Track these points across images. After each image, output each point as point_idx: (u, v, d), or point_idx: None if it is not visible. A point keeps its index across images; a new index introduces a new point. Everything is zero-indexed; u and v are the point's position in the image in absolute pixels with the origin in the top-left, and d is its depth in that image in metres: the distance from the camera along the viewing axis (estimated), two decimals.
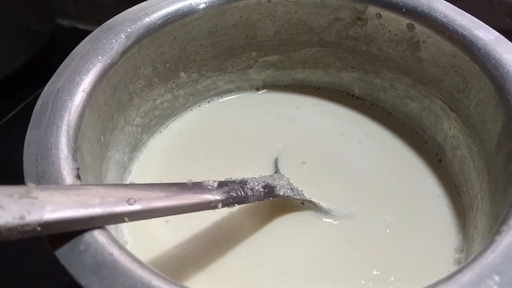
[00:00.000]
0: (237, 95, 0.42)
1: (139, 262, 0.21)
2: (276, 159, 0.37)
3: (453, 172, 0.35)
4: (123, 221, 0.23)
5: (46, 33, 0.58)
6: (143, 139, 0.37)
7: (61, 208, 0.21)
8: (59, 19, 0.62)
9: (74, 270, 0.21)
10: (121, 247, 0.22)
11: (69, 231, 0.22)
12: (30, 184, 0.21)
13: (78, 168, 0.25)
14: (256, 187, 0.30)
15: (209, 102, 0.41)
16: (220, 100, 0.42)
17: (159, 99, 0.37)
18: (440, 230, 0.33)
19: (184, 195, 0.26)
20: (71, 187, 0.23)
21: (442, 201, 0.34)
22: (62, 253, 0.21)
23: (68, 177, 0.24)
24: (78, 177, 0.24)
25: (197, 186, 0.27)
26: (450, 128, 0.35)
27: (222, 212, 0.33)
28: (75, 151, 0.25)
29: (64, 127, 0.26)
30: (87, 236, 0.22)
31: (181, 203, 0.25)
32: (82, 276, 0.20)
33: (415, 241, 0.32)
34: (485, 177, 0.31)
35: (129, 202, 0.23)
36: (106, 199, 0.22)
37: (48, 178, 0.24)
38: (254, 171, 0.36)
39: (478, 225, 0.30)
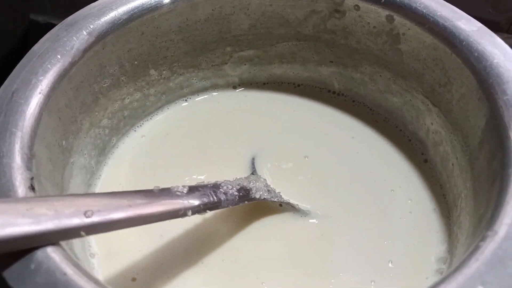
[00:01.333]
0: (213, 93, 0.40)
1: (95, 282, 0.19)
2: (253, 159, 0.35)
3: (436, 170, 0.34)
4: (79, 235, 0.21)
5: (20, 30, 0.55)
6: (112, 141, 0.35)
7: (8, 224, 0.19)
8: (33, 15, 0.59)
9: None
10: (76, 265, 0.20)
11: (19, 249, 0.20)
12: None
13: (32, 178, 0.23)
14: (230, 191, 0.29)
15: (182, 101, 0.39)
16: (196, 99, 0.40)
17: (128, 98, 0.35)
18: (424, 230, 0.31)
19: (150, 204, 0.24)
20: (22, 200, 0.21)
21: (426, 201, 0.33)
22: (11, 274, 0.19)
23: (21, 188, 0.22)
24: (32, 188, 0.23)
25: (165, 193, 0.25)
26: (432, 124, 0.34)
27: (196, 218, 0.31)
28: (30, 159, 0.24)
29: (18, 134, 0.24)
30: (38, 254, 0.20)
31: (146, 213, 0.23)
32: None
33: (397, 241, 0.31)
34: (468, 175, 0.29)
35: (86, 214, 0.21)
36: (61, 212, 0.20)
37: None
38: (231, 172, 0.34)
39: (462, 224, 0.29)
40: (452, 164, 0.32)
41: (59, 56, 0.28)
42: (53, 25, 0.30)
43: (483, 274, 0.19)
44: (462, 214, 0.29)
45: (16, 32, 0.55)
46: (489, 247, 0.20)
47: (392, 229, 0.31)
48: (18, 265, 0.19)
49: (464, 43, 0.29)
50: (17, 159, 0.23)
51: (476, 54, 0.28)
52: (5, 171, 0.22)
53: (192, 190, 0.27)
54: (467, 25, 0.30)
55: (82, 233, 0.21)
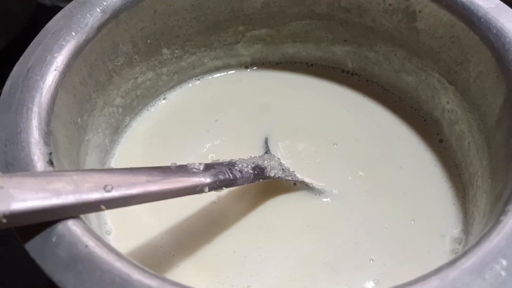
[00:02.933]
0: (224, 73, 0.40)
1: (117, 254, 0.19)
2: (266, 138, 0.35)
3: (451, 149, 0.34)
4: (99, 209, 0.21)
5: (27, 13, 0.55)
6: (125, 120, 0.35)
7: (30, 197, 0.19)
8: None
9: (47, 265, 0.19)
10: (98, 238, 0.20)
11: (41, 222, 0.20)
12: None
13: (50, 153, 0.23)
14: (245, 169, 0.29)
15: (195, 80, 0.39)
16: (207, 78, 0.40)
17: (141, 77, 0.35)
18: (439, 208, 0.31)
19: (167, 180, 0.24)
20: (42, 174, 0.21)
21: (441, 181, 0.33)
22: (33, 246, 0.19)
23: (39, 163, 0.22)
24: (51, 162, 0.23)
25: (182, 170, 0.25)
26: (448, 103, 0.33)
27: (210, 196, 0.31)
28: (47, 135, 0.24)
29: (35, 109, 0.24)
30: (60, 227, 0.20)
31: (164, 188, 0.23)
32: (56, 271, 0.19)
33: (412, 222, 0.31)
34: (485, 153, 0.29)
35: (106, 188, 0.21)
36: (81, 186, 0.20)
37: (18, 165, 0.22)
38: (244, 152, 0.34)
39: (479, 203, 0.29)
40: (468, 143, 0.32)
41: (73, 33, 0.28)
42: (59, 8, 0.29)
43: (504, 248, 0.19)
44: (478, 192, 0.29)
45: (22, 15, 0.54)
46: (510, 222, 0.20)
47: (406, 209, 0.31)
48: (40, 238, 0.20)
49: (482, 20, 0.29)
50: (35, 134, 0.23)
51: (494, 31, 0.28)
52: (23, 145, 0.22)
53: (208, 167, 0.27)
54: (485, 2, 0.29)
55: (103, 207, 0.21)
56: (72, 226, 0.20)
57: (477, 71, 0.30)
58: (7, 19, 0.52)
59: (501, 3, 0.30)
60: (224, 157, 0.29)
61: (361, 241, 0.29)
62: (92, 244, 0.19)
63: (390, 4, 0.33)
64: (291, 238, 0.30)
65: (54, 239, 0.19)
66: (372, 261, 0.29)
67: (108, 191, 0.21)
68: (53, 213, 0.20)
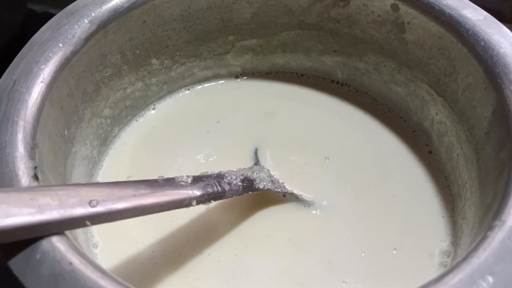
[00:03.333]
0: (214, 83, 0.40)
1: (101, 271, 0.19)
2: (256, 149, 0.35)
3: (441, 161, 0.34)
4: (84, 225, 0.21)
5: (17, 20, 0.55)
6: (114, 131, 0.35)
7: (13, 214, 0.19)
8: (30, 4, 0.59)
9: (30, 283, 0.19)
10: (82, 255, 0.20)
11: (24, 239, 0.20)
12: None
13: (35, 167, 0.23)
14: (234, 181, 0.29)
15: (185, 90, 0.39)
16: (197, 88, 0.39)
17: (130, 88, 0.35)
18: (428, 221, 0.31)
19: (154, 194, 0.24)
20: (26, 189, 0.21)
21: (430, 193, 0.33)
22: (16, 264, 0.19)
23: (24, 178, 0.22)
24: (36, 177, 0.22)
25: (169, 183, 0.25)
26: (437, 114, 0.33)
27: (199, 208, 0.31)
28: (33, 149, 0.23)
29: (20, 123, 0.24)
30: (44, 244, 0.20)
31: (150, 203, 0.23)
32: None
33: (400, 234, 0.31)
34: (474, 165, 0.29)
35: (91, 204, 0.21)
36: (65, 202, 0.20)
37: (2, 180, 0.22)
38: (233, 163, 0.33)
39: (467, 215, 0.29)
40: (457, 155, 0.32)
41: (60, 45, 0.28)
42: (51, 15, 0.29)
43: (492, 264, 0.19)
44: (467, 204, 0.29)
45: (13, 22, 0.54)
46: (497, 237, 0.20)
47: (395, 221, 0.31)
48: (24, 255, 0.19)
49: (470, 32, 0.29)
50: (20, 149, 0.23)
51: (482, 43, 0.28)
52: (8, 160, 0.22)
53: (196, 180, 0.26)
54: (473, 14, 0.30)
55: (87, 222, 0.21)
56: (56, 242, 0.20)
57: (466, 82, 0.30)
58: None
59: (489, 15, 0.30)
60: (214, 168, 0.29)
61: (336, 262, 0.29)
62: (76, 261, 0.19)
63: (379, 16, 0.34)
64: (270, 251, 0.30)
65: (37, 256, 0.19)
66: (362, 272, 0.29)
67: (93, 206, 0.21)
68: (36, 230, 0.20)
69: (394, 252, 0.30)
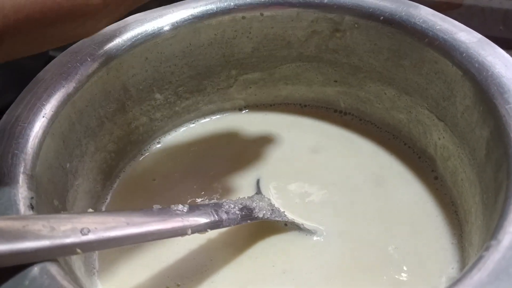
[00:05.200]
0: (219, 116, 0.40)
1: None
2: (258, 180, 0.35)
3: (447, 186, 0.33)
4: (75, 252, 0.21)
5: (38, 66, 0.57)
6: (119, 165, 0.36)
7: (4, 240, 0.19)
8: (52, 51, 0.61)
9: None
10: (73, 280, 0.20)
11: (16, 265, 0.20)
12: None
13: (32, 198, 0.23)
14: (232, 210, 0.29)
15: (189, 124, 0.40)
16: (202, 122, 0.40)
17: (134, 123, 0.36)
18: (435, 249, 0.30)
19: (147, 222, 0.24)
20: (18, 217, 0.21)
21: (438, 219, 0.32)
22: None
23: (20, 207, 0.22)
24: (31, 207, 0.23)
25: (164, 212, 0.25)
26: (439, 138, 0.33)
27: (198, 237, 0.31)
28: (31, 179, 0.24)
29: (20, 155, 0.25)
30: (33, 270, 0.20)
31: (143, 231, 0.23)
32: None
33: (407, 262, 0.30)
34: (477, 188, 0.28)
35: (82, 232, 0.21)
36: (57, 229, 0.21)
37: None
38: (236, 194, 0.34)
39: (473, 241, 0.28)
40: (461, 179, 0.31)
41: (63, 82, 0.29)
42: None
43: (486, 285, 0.19)
44: (472, 229, 0.28)
45: (34, 67, 0.56)
46: (492, 257, 0.19)
47: (401, 249, 0.30)
48: (13, 281, 0.19)
49: (464, 54, 0.29)
50: (18, 179, 0.23)
51: (476, 65, 0.28)
52: (4, 190, 0.23)
53: (192, 209, 0.27)
54: (467, 37, 0.30)
55: (78, 250, 0.21)
56: (46, 269, 0.20)
57: (464, 105, 0.30)
58: (19, 73, 0.54)
59: (483, 37, 0.30)
60: (217, 199, 0.29)
61: (353, 280, 0.28)
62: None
63: (375, 44, 0.34)
64: (263, 283, 0.29)
65: (26, 282, 0.19)
66: None
67: (85, 234, 0.21)
68: (27, 257, 0.20)
69: (400, 279, 0.29)
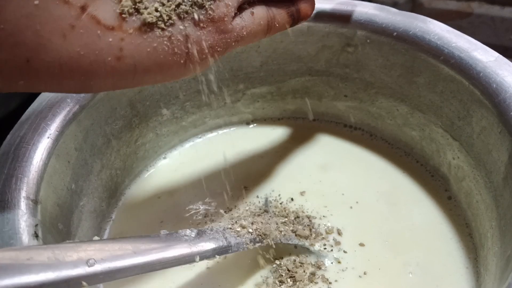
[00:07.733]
0: (226, 130, 0.40)
1: None
2: (266, 199, 0.34)
3: (461, 207, 0.32)
4: (81, 285, 0.20)
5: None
6: (124, 182, 0.35)
7: (7, 275, 0.18)
8: None
9: None
10: None
11: None
12: None
13: (36, 225, 0.23)
14: (241, 233, 0.28)
15: (196, 138, 0.39)
16: (208, 136, 0.39)
17: (141, 139, 0.35)
18: (449, 273, 0.29)
19: (155, 250, 0.23)
20: (23, 249, 0.21)
21: (452, 241, 0.31)
22: None
23: (24, 236, 0.22)
24: (36, 235, 0.22)
25: (172, 238, 0.25)
26: (453, 158, 0.32)
27: (208, 261, 0.30)
28: (35, 206, 0.23)
29: (24, 180, 0.24)
30: None
31: (150, 260, 0.23)
32: None
33: (421, 284, 0.29)
34: (494, 213, 0.28)
35: (88, 263, 0.20)
36: (62, 262, 0.20)
37: (1, 238, 0.22)
38: (244, 210, 0.33)
39: (489, 266, 0.27)
40: (477, 201, 0.30)
41: (68, 100, 0.28)
42: None
43: None
44: (489, 255, 0.28)
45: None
46: None
47: (415, 271, 0.30)
48: None
49: (481, 74, 0.28)
50: (22, 206, 0.23)
51: (494, 85, 0.27)
52: (8, 218, 0.22)
53: (200, 233, 0.26)
54: (484, 56, 0.29)
55: (84, 283, 0.20)
56: None
57: (480, 126, 0.29)
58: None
59: (501, 56, 0.29)
60: (226, 216, 0.29)
61: None
62: None
63: (388, 60, 0.33)
64: None
65: None
66: None
67: (91, 265, 0.20)
68: None
69: None
